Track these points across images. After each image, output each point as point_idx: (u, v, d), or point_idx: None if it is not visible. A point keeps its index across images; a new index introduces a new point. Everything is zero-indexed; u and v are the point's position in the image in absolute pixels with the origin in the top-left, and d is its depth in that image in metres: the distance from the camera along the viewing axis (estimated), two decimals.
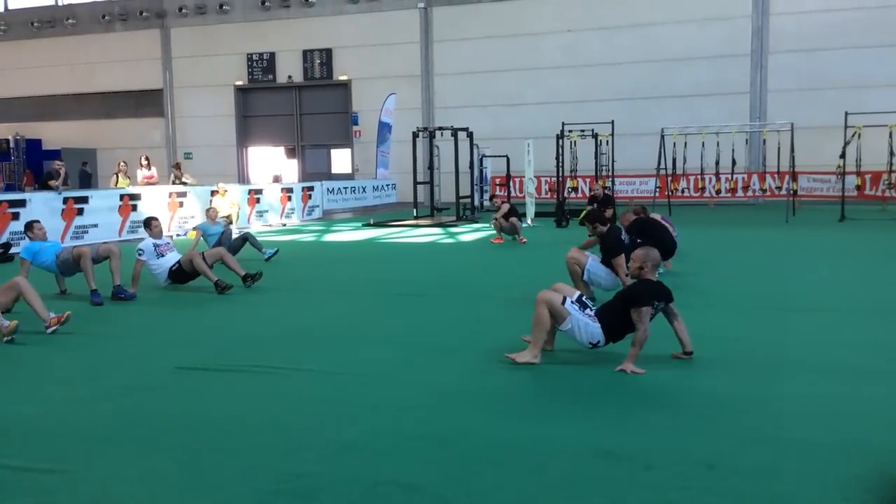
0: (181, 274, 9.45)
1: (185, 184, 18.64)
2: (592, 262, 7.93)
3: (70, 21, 31.67)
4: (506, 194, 20.20)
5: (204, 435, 4.32)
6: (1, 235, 13.40)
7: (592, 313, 5.70)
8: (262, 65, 30.14)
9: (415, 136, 20.37)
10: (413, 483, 3.61)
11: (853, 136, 17.87)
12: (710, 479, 3.60)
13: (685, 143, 20.21)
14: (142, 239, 10.28)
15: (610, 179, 20.22)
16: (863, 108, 18.49)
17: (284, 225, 20.21)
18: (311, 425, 4.46)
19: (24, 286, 7.03)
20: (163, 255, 9.56)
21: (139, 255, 9.43)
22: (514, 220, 14.33)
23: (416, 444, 4.13)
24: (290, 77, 29.93)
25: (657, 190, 20.51)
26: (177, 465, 3.89)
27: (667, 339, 5.76)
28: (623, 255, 7.63)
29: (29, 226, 9.13)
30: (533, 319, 5.65)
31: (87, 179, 23.96)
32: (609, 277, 7.90)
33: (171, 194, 17.72)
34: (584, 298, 5.86)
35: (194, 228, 13.72)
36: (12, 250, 12.87)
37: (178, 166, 20.08)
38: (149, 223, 9.91)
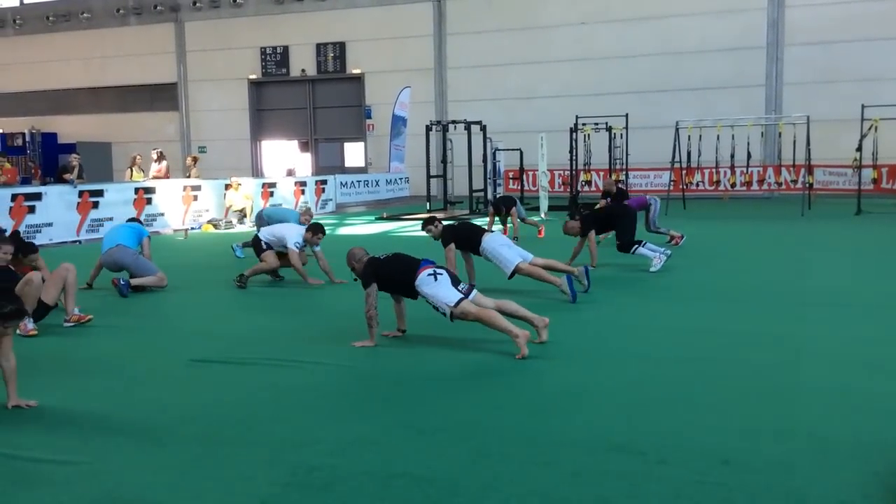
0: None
1: (187, 177, 18.67)
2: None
3: (85, 15, 31.78)
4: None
5: (219, 427, 4.34)
6: (18, 227, 13.49)
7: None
8: (275, 58, 30.15)
9: (428, 129, 20.34)
10: (427, 476, 3.61)
11: (870, 128, 17.71)
12: (724, 474, 3.59)
13: (700, 137, 20.07)
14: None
15: (624, 173, 20.13)
16: (879, 100, 18.32)
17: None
18: (324, 418, 4.48)
19: (72, 275, 7.04)
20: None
21: (297, 247, 9.21)
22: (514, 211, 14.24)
23: (429, 437, 4.14)
24: (303, 70, 29.95)
25: (671, 183, 20.40)
26: (192, 457, 3.91)
27: (677, 337, 5.74)
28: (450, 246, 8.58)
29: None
30: (491, 327, 5.80)
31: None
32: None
33: (185, 188, 17.79)
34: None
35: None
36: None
37: (194, 160, 20.06)
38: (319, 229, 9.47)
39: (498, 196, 17.46)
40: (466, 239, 8.62)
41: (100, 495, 3.48)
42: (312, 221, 9.86)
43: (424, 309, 7.81)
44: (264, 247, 9.34)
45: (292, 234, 9.19)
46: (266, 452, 3.93)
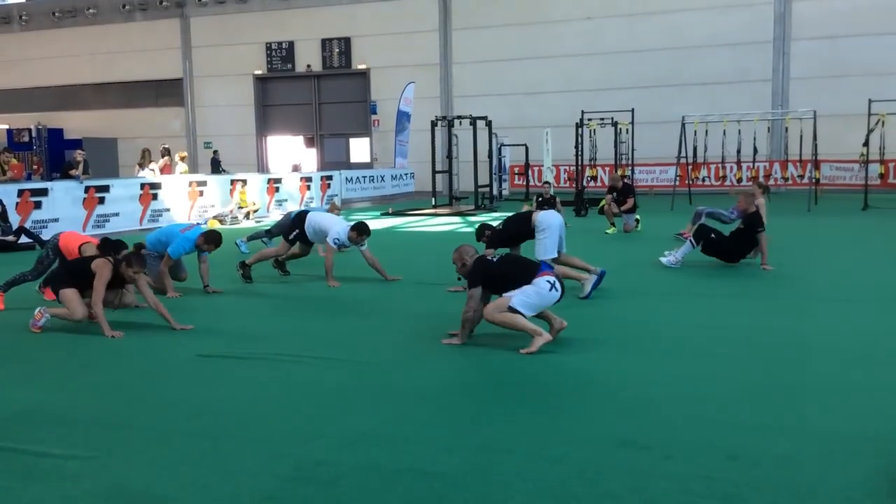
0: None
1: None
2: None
3: (91, 11, 31.84)
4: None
5: (225, 422, 4.35)
6: (24, 223, 13.52)
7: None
8: (280, 54, 30.17)
9: (433, 124, 20.32)
10: (433, 471, 3.61)
11: (877, 123, 17.62)
12: (731, 470, 3.58)
13: (706, 132, 20.01)
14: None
15: (630, 168, 20.09)
16: (886, 95, 18.22)
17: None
18: (331, 413, 4.48)
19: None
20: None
21: (335, 243, 9.03)
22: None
23: (435, 432, 4.14)
24: (308, 66, 29.95)
25: (678, 178, 20.35)
26: (198, 451, 3.92)
27: (683, 333, 5.72)
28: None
29: None
30: (507, 327, 5.77)
31: (217, 166, 24.06)
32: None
33: (191, 183, 17.82)
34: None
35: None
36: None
37: (182, 158, 20.00)
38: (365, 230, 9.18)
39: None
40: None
41: (107, 489, 3.48)
42: (357, 221, 9.43)
43: (430, 303, 7.82)
44: (293, 237, 9.16)
45: (334, 230, 8.98)
46: (272, 447, 3.94)
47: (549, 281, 5.83)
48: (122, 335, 6.42)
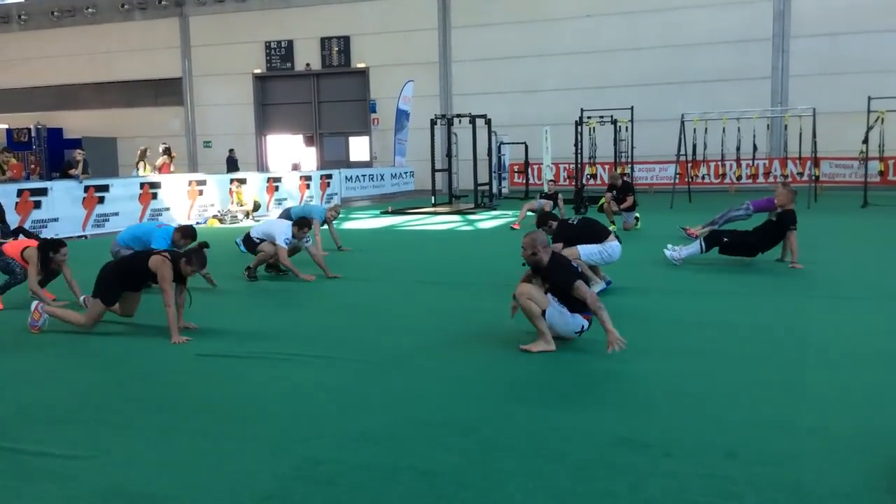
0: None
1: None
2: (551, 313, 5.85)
3: (90, 10, 31.83)
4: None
5: (224, 421, 4.34)
6: (24, 223, 13.51)
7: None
8: (280, 53, 30.15)
9: (433, 123, 20.32)
10: (432, 469, 3.61)
11: (876, 120, 17.64)
12: (730, 468, 3.58)
13: (706, 129, 20.01)
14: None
15: (629, 166, 20.08)
16: (886, 92, 18.23)
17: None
18: (330, 412, 4.48)
19: None
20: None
21: (285, 243, 9.19)
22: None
23: (434, 431, 4.14)
24: (308, 65, 29.94)
25: (677, 176, 20.35)
26: (197, 450, 3.92)
27: (681, 330, 5.72)
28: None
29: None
30: (526, 314, 5.68)
31: (234, 164, 24.08)
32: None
33: (190, 182, 17.82)
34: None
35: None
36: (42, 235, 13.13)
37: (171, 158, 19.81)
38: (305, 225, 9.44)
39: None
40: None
41: (105, 489, 3.48)
42: (299, 216, 9.81)
43: (430, 302, 7.82)
44: (257, 242, 9.38)
45: (280, 231, 9.24)
46: (271, 446, 3.94)
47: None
48: (189, 339, 6.26)
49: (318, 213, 11.55)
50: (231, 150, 25.30)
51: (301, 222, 9.34)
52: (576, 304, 5.64)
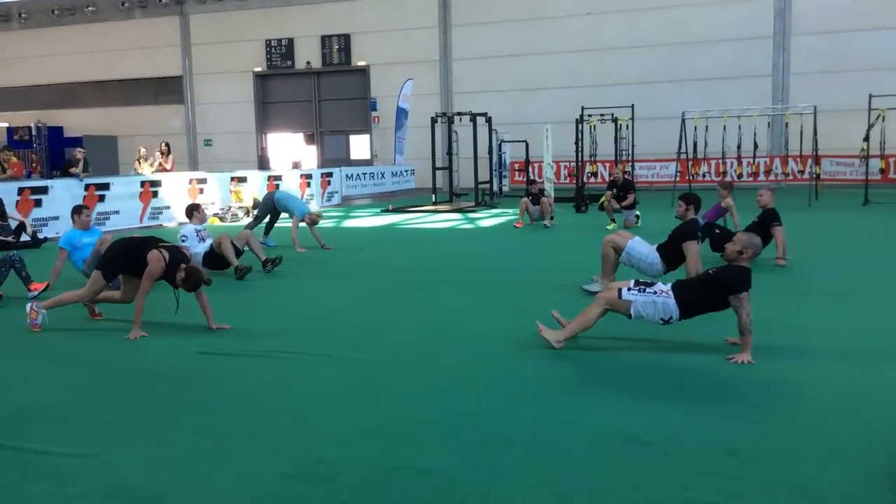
0: (217, 260, 9.40)
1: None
2: (635, 242, 7.53)
3: (90, 9, 31.81)
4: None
5: (224, 419, 4.34)
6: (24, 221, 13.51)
7: (662, 289, 5.57)
8: (280, 51, 30.13)
9: (433, 121, 20.31)
10: (432, 467, 3.61)
11: (877, 118, 17.60)
12: (731, 465, 3.58)
13: (706, 127, 19.97)
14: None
15: (630, 164, 20.07)
16: (887, 90, 18.20)
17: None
18: (331, 410, 4.48)
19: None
20: (203, 241, 9.69)
21: (183, 240, 9.38)
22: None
23: (435, 428, 4.14)
24: (308, 63, 29.92)
25: (678, 174, 20.33)
26: (198, 449, 3.92)
27: (680, 328, 5.71)
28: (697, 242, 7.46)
29: (77, 210, 8.84)
30: (584, 317, 5.61)
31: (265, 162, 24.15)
32: (652, 260, 7.48)
33: (191, 181, 17.82)
34: (640, 280, 5.77)
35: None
36: (41, 234, 13.21)
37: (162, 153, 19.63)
38: (194, 210, 10.05)
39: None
40: None
41: (106, 487, 3.48)
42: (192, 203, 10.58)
43: (430, 301, 7.82)
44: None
45: (187, 231, 9.76)
46: (271, 444, 3.94)
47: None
48: (145, 335, 6.33)
49: (300, 209, 11.95)
50: (262, 149, 25.10)
51: (191, 209, 10.04)
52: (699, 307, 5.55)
